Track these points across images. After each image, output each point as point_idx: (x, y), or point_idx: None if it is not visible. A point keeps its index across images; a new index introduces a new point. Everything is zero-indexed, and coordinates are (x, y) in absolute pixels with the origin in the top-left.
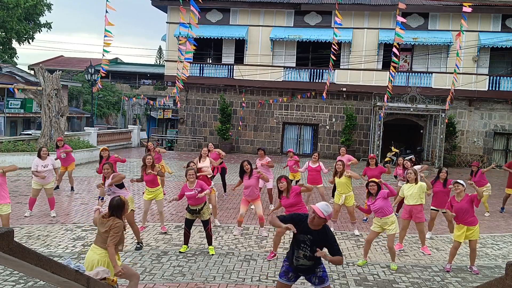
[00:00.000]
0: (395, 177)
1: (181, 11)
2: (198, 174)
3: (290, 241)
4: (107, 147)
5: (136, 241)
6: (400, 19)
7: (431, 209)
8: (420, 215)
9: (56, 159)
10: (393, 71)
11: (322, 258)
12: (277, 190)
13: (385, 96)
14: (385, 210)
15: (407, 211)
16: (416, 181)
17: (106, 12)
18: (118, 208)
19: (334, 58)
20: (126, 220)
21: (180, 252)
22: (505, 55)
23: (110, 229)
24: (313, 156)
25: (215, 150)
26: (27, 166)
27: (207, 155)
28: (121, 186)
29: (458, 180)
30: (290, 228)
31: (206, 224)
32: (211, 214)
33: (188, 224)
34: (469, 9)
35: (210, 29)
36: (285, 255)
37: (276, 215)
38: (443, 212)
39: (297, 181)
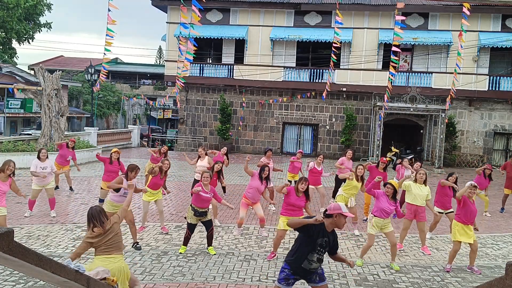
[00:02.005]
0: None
1: (182, 10)
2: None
3: (299, 246)
4: (107, 147)
5: (134, 241)
6: (399, 18)
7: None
8: (423, 215)
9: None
10: (392, 71)
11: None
12: (294, 186)
13: (385, 96)
14: (390, 213)
15: (412, 211)
16: (425, 183)
17: (109, 10)
18: (103, 212)
19: (335, 57)
20: (126, 220)
21: (180, 252)
22: (505, 55)
23: (120, 217)
24: (318, 158)
25: (224, 155)
26: (27, 166)
27: (206, 154)
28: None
29: (474, 183)
30: (319, 219)
31: (209, 225)
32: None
33: (192, 228)
34: (467, 12)
35: (210, 29)
36: (286, 261)
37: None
38: (446, 214)
39: (296, 182)
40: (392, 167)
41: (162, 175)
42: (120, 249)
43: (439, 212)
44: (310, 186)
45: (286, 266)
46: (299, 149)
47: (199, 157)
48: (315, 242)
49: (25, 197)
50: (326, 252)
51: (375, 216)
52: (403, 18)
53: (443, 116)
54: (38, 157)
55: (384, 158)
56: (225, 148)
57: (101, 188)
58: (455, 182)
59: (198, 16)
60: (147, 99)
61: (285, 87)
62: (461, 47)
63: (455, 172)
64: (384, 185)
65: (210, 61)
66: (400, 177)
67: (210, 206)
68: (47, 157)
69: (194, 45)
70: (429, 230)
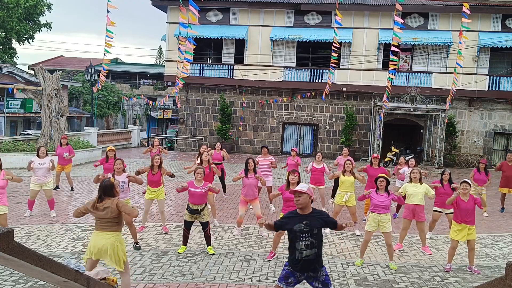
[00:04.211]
0: (393, 174)
1: (181, 10)
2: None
3: (288, 241)
4: (106, 147)
5: (134, 241)
6: (398, 19)
7: (434, 211)
8: (422, 214)
9: (54, 155)
10: (392, 67)
11: (322, 258)
12: (286, 183)
13: (384, 96)
14: (387, 207)
15: (410, 210)
16: (420, 181)
17: (108, 11)
18: (110, 188)
19: (336, 55)
20: (124, 221)
21: (178, 252)
22: (505, 55)
23: (119, 208)
24: (316, 157)
25: (221, 151)
26: (26, 166)
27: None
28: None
29: (466, 180)
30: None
31: (205, 226)
32: (210, 216)
33: (188, 225)
34: (468, 11)
35: (210, 29)
36: (287, 260)
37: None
38: (446, 214)
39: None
40: (392, 166)
41: (154, 171)
42: (113, 227)
43: (438, 211)
44: (311, 186)
45: (286, 263)
46: (298, 149)
47: (201, 153)
48: (293, 230)
49: (12, 180)
50: (316, 236)
51: (371, 211)
52: (401, 21)
53: (443, 116)
54: (37, 155)
55: (374, 155)
56: (219, 143)
57: None
58: (450, 179)
59: (196, 16)
60: (147, 99)
61: (285, 87)
62: (461, 44)
63: (448, 170)
64: (376, 180)
65: (210, 61)
66: (399, 178)
67: (210, 207)
68: (46, 155)
69: (194, 45)
70: (428, 229)
